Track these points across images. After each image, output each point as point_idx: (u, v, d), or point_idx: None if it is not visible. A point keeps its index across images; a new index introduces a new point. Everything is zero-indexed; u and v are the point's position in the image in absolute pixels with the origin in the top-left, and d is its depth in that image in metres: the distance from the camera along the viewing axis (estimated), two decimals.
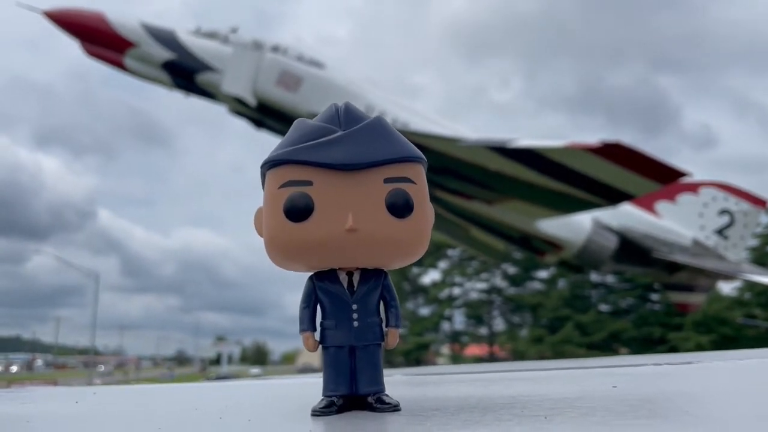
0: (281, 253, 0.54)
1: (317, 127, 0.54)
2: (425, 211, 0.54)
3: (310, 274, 0.57)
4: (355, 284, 0.56)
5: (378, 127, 0.54)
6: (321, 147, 0.53)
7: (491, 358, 28.47)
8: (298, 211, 0.52)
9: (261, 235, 0.55)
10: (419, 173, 0.55)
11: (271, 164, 0.54)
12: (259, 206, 0.55)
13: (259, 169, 0.56)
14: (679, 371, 0.81)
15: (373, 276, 0.56)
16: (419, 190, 0.54)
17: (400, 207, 0.52)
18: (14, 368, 45.05)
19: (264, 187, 0.55)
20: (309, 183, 0.52)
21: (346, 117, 0.55)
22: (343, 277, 0.56)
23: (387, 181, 0.53)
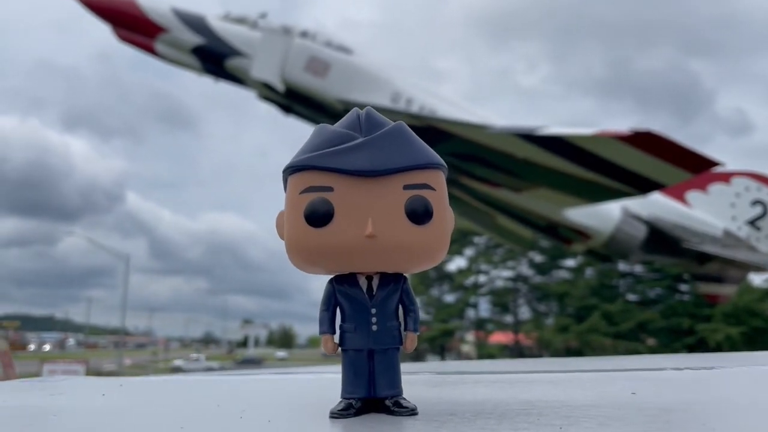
0: (302, 257, 0.55)
1: (338, 133, 0.55)
2: (444, 218, 0.55)
3: (330, 277, 0.58)
4: (375, 288, 0.56)
5: (399, 134, 0.55)
6: (342, 153, 0.53)
7: (516, 346, 28.43)
8: (319, 217, 0.52)
9: (282, 239, 0.56)
10: (439, 179, 0.55)
11: (292, 169, 0.55)
12: (280, 210, 0.56)
13: (281, 173, 0.57)
14: (700, 377, 0.81)
15: (392, 280, 0.57)
16: (439, 197, 0.54)
17: (420, 214, 0.53)
18: (47, 347, 46.18)
19: (286, 191, 0.56)
20: (330, 189, 0.53)
21: (368, 123, 0.55)
22: (363, 281, 0.57)
23: (407, 187, 0.53)
